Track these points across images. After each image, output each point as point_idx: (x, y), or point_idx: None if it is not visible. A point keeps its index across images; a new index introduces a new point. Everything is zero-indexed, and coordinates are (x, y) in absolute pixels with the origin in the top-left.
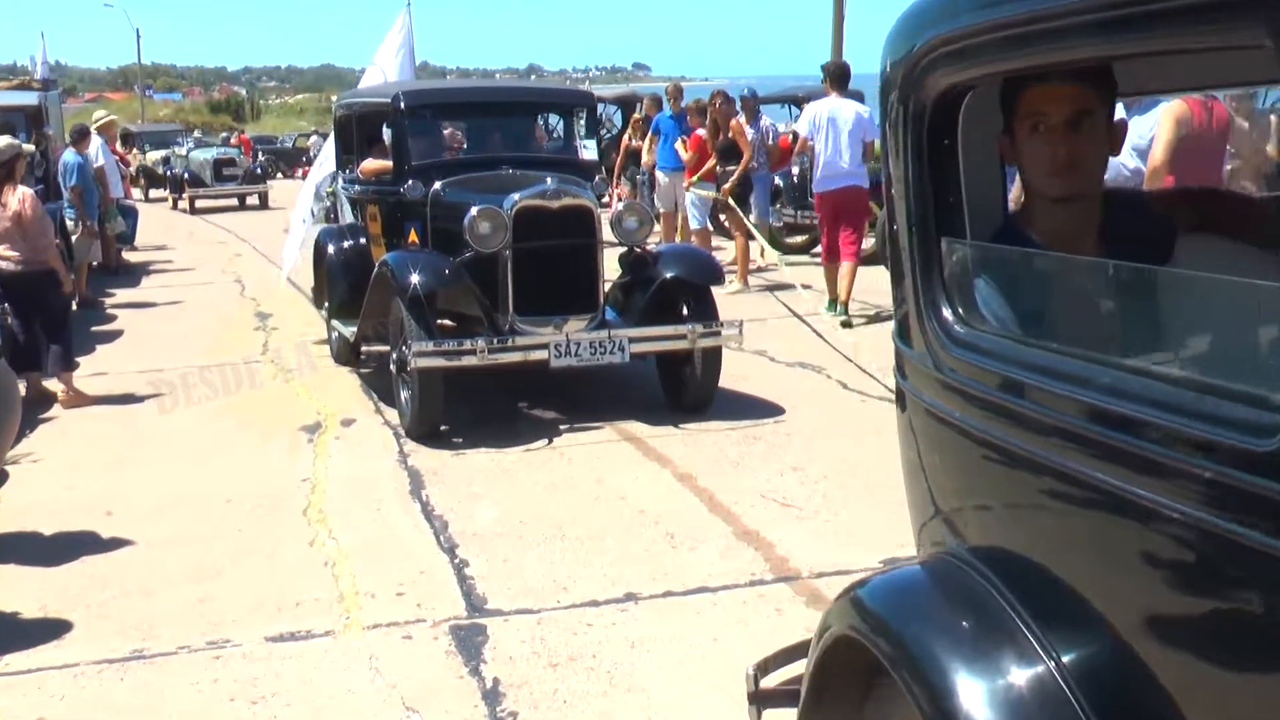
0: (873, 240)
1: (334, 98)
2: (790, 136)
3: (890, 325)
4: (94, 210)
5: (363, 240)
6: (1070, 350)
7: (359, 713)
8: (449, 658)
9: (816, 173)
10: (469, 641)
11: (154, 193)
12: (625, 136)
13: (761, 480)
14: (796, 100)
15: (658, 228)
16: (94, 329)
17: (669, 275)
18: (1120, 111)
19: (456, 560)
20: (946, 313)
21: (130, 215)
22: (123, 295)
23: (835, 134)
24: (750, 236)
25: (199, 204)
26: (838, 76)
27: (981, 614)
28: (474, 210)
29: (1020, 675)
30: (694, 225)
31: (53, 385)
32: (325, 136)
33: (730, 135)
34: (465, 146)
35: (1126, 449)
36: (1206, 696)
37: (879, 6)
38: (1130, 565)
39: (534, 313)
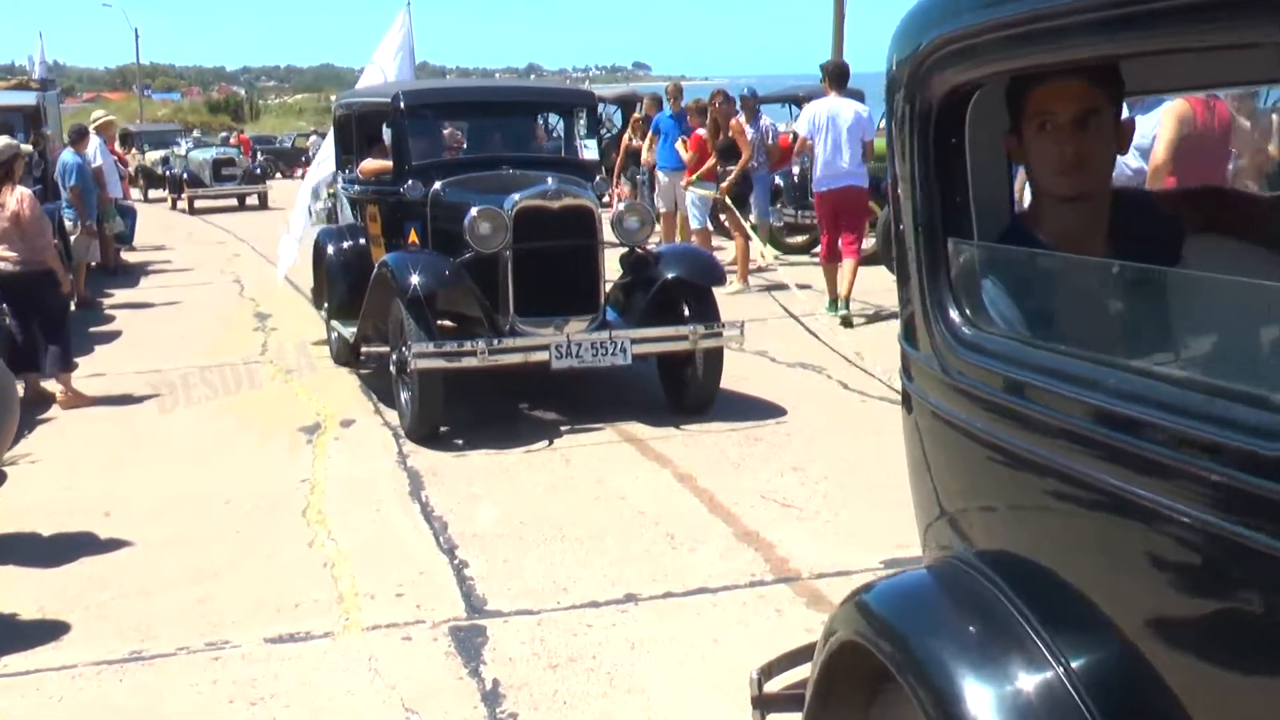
0: (873, 240)
1: (333, 97)
2: (790, 136)
3: (890, 325)
4: (93, 210)
5: (362, 241)
6: (1078, 352)
7: (358, 714)
8: (448, 659)
9: (816, 172)
10: (469, 642)
11: (153, 193)
12: (625, 136)
13: (762, 481)
14: (797, 100)
15: (658, 227)
16: (92, 329)
17: (670, 276)
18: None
19: (456, 561)
20: (953, 314)
21: (129, 215)
22: (121, 296)
23: (835, 134)
24: (746, 236)
25: (198, 204)
26: (837, 76)
27: (989, 619)
28: (474, 210)
29: (1028, 681)
30: (694, 225)
31: (51, 386)
32: (324, 136)
33: (730, 135)
34: (465, 146)
35: (1135, 451)
36: (1216, 701)
37: (879, 6)
38: (1139, 569)
39: (534, 313)
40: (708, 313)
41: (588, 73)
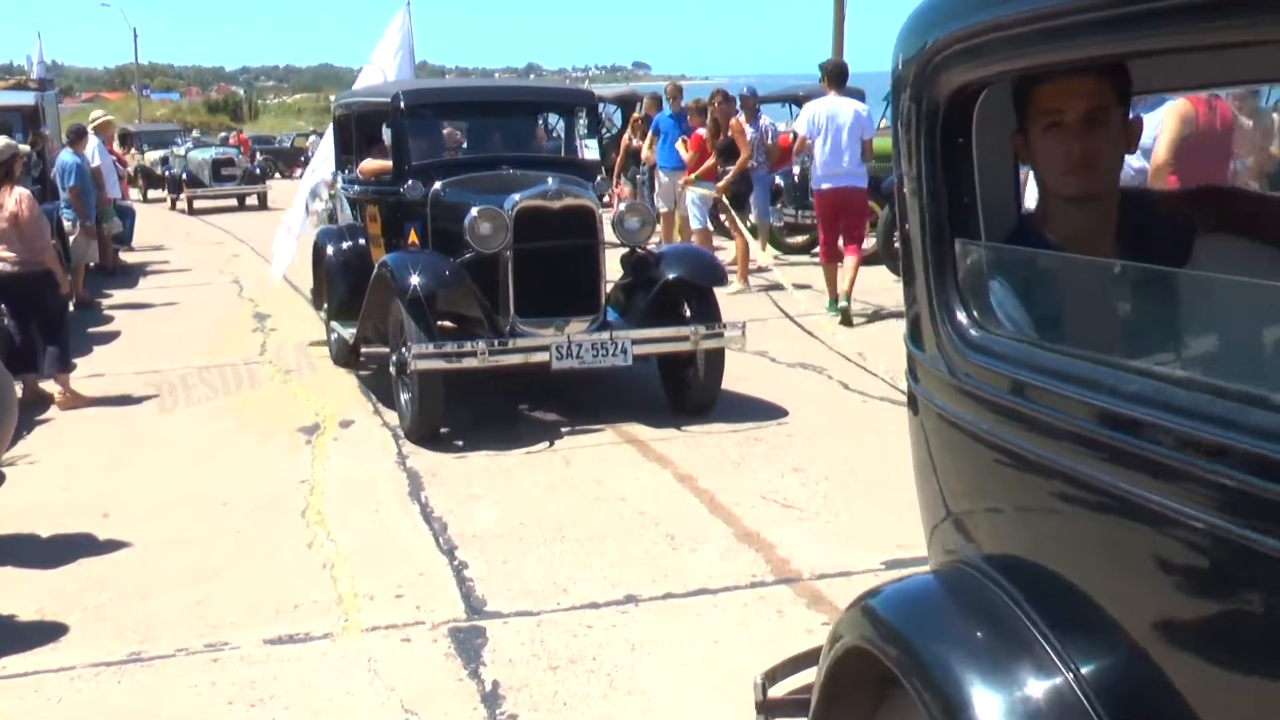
0: (873, 240)
1: (332, 97)
2: (790, 136)
3: (891, 324)
4: (92, 211)
5: (362, 241)
6: (1088, 354)
7: (357, 715)
8: (448, 660)
9: (815, 172)
10: (468, 644)
11: (153, 193)
12: (625, 136)
13: (762, 481)
14: (797, 99)
15: (659, 228)
16: (91, 330)
17: (671, 276)
18: None
19: (456, 562)
20: (960, 316)
21: (127, 216)
22: (120, 296)
23: (834, 133)
24: (744, 237)
25: (197, 204)
26: (835, 75)
27: (997, 624)
28: (474, 211)
29: (1038, 687)
30: (695, 225)
31: (49, 387)
32: (323, 136)
33: (730, 134)
34: (465, 146)
35: (1145, 455)
36: (1227, 707)
37: (879, 6)
38: (1149, 574)
39: (535, 314)
40: (709, 313)
41: (587, 72)
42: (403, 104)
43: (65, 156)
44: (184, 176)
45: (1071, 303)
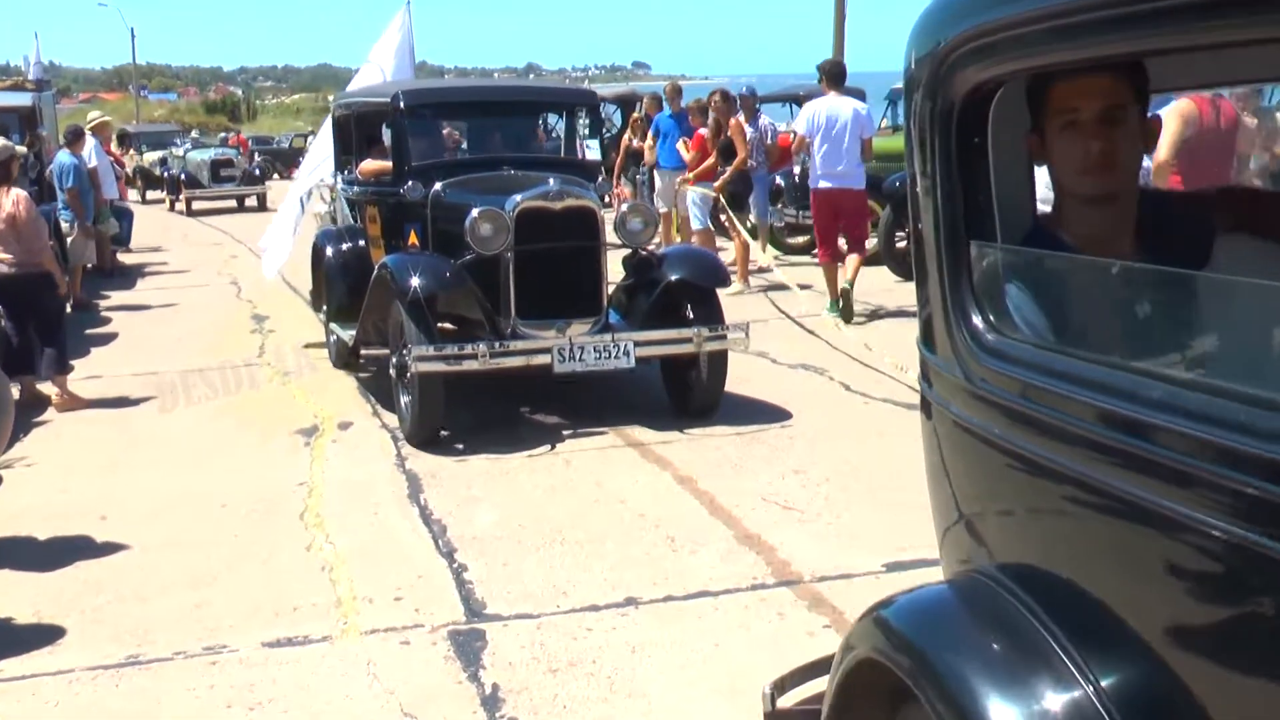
0: (874, 240)
1: (331, 97)
2: (790, 135)
3: (891, 323)
4: (90, 212)
5: (362, 242)
6: (1107, 359)
7: (357, 719)
8: (447, 663)
9: (814, 171)
10: (468, 647)
11: (152, 194)
12: (625, 136)
13: (763, 483)
14: (798, 99)
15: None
16: (88, 331)
17: (674, 278)
18: None
19: (455, 564)
20: (976, 319)
21: (125, 217)
22: (117, 297)
23: (833, 132)
24: (742, 237)
25: (196, 205)
26: (834, 75)
27: (1014, 635)
28: (475, 212)
29: (1056, 700)
30: (696, 225)
31: (47, 389)
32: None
33: (729, 134)
34: (466, 147)
35: (1167, 462)
36: None
37: (880, 6)
38: (1173, 584)
39: (536, 316)
40: (712, 315)
41: (587, 72)
42: (403, 104)
43: (62, 157)
44: (182, 177)
45: (1090, 306)
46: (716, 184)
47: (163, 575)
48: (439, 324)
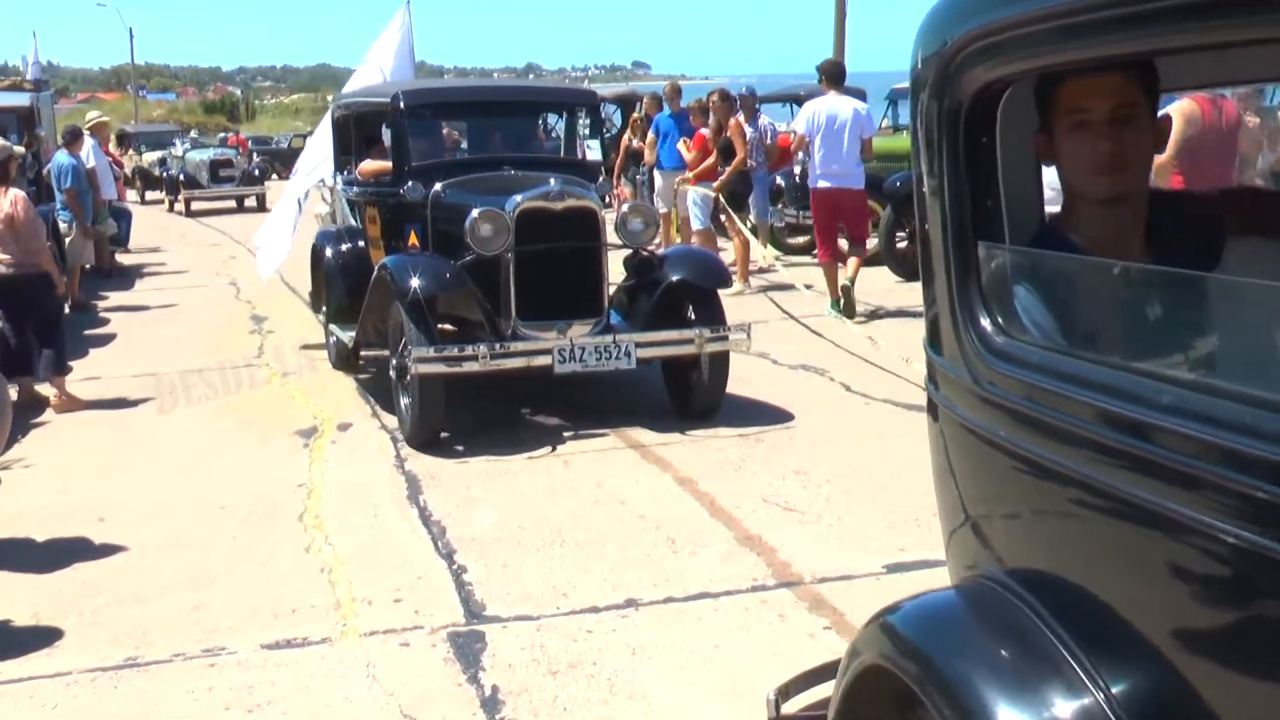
0: (875, 241)
1: (330, 97)
2: (790, 135)
3: (893, 322)
4: (89, 212)
5: (361, 243)
6: (1117, 362)
7: None
8: (447, 665)
9: (813, 170)
10: (467, 648)
11: (151, 195)
12: (625, 137)
13: (764, 484)
14: (797, 99)
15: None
16: (87, 332)
17: (675, 278)
18: None
19: (454, 566)
20: (984, 322)
21: (123, 218)
22: (116, 298)
23: (833, 132)
24: (744, 237)
25: (195, 206)
26: (834, 74)
27: (1024, 642)
28: (475, 212)
29: (1066, 708)
30: (696, 226)
31: (45, 390)
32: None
33: (728, 134)
34: (466, 147)
35: (1179, 467)
36: None
37: (880, 6)
38: (1182, 589)
39: (537, 317)
40: (713, 316)
41: (587, 72)
42: (403, 104)
43: (61, 158)
44: (181, 178)
45: (1100, 308)
46: (715, 184)
47: (161, 577)
48: (439, 325)
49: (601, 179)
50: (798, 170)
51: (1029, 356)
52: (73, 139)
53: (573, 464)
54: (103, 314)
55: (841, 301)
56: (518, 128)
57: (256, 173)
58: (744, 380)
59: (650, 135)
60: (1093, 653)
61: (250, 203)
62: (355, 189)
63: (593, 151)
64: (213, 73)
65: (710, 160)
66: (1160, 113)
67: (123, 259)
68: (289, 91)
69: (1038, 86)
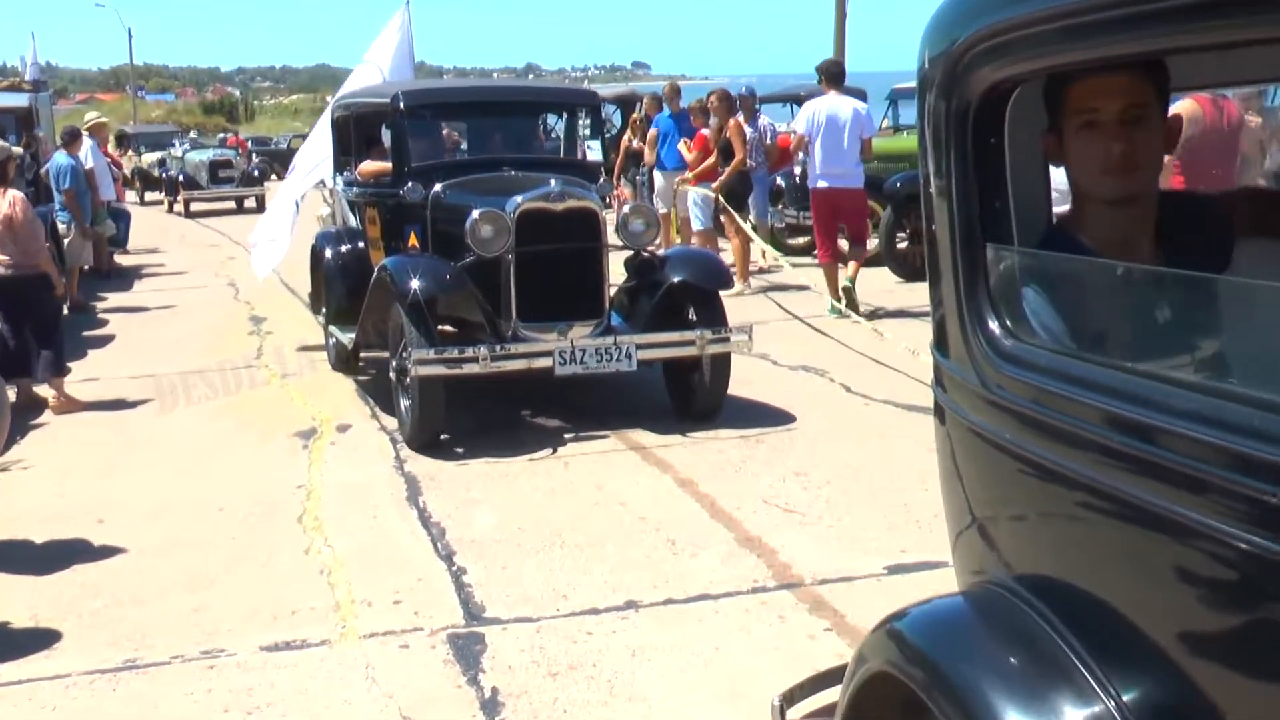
0: (875, 241)
1: (329, 98)
2: (790, 135)
3: (893, 322)
4: (88, 213)
5: (361, 244)
6: (1127, 365)
7: None
8: (447, 667)
9: (813, 170)
10: (467, 650)
11: (150, 195)
12: (625, 137)
13: (764, 485)
14: (798, 99)
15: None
16: (85, 333)
17: (676, 280)
18: None
19: (454, 568)
20: (992, 324)
21: (122, 218)
22: (115, 299)
23: (832, 132)
24: (745, 237)
25: (194, 206)
26: (834, 74)
27: (1033, 649)
28: (475, 213)
29: (1076, 715)
30: (697, 226)
31: (44, 391)
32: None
33: (727, 135)
34: (466, 147)
35: (1192, 472)
36: None
37: (881, 6)
38: (1193, 594)
39: (538, 318)
40: (715, 317)
41: (586, 72)
42: (402, 105)
43: (60, 158)
44: (181, 178)
45: (1110, 311)
46: (715, 185)
47: (160, 578)
48: (439, 326)
49: (602, 180)
50: (798, 170)
51: (1037, 359)
52: (71, 140)
53: (573, 466)
54: (101, 315)
55: (842, 302)
56: (518, 128)
57: (256, 173)
58: (744, 381)
59: (650, 134)
60: (1102, 659)
61: (250, 203)
62: (355, 190)
63: (593, 152)
64: (212, 73)
65: (710, 160)
66: (1176, 112)
67: (121, 260)
68: (288, 92)
69: (1047, 86)
